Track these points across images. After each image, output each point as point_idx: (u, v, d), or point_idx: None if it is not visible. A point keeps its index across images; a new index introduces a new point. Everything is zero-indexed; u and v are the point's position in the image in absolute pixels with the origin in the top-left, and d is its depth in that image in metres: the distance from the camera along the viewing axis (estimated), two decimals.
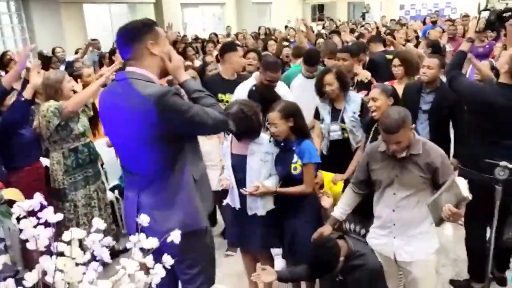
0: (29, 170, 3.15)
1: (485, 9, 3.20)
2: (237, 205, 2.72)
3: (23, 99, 2.95)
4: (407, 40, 7.25)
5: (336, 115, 3.27)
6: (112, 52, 6.11)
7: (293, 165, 2.61)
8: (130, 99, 1.73)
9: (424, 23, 11.26)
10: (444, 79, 3.29)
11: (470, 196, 1.98)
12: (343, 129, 3.25)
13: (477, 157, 2.72)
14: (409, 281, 2.40)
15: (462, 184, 2.01)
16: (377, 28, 10.58)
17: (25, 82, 3.56)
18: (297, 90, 3.89)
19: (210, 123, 1.81)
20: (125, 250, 3.33)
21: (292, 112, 2.62)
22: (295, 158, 2.61)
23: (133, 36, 1.79)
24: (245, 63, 3.67)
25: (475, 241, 2.98)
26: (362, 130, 3.23)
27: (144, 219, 1.04)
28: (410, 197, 2.25)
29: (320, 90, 3.29)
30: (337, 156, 3.23)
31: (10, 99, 3.13)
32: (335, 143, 3.27)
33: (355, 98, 3.30)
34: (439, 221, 2.11)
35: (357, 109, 3.23)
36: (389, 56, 4.63)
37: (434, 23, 9.46)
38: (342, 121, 3.24)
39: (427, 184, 2.24)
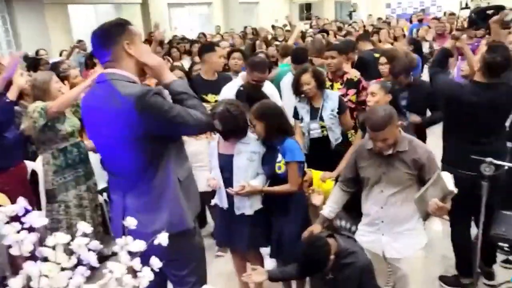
0: (12, 171, 3.12)
1: (465, 7, 3.27)
2: (224, 205, 2.71)
3: (7, 100, 2.92)
4: (395, 39, 7.32)
5: (314, 113, 3.29)
6: (93, 54, 6.06)
7: (277, 164, 2.62)
8: (111, 100, 1.72)
9: (410, 21, 11.35)
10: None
11: (455, 190, 2.00)
12: (322, 127, 3.27)
13: (456, 155, 2.77)
14: (398, 277, 2.43)
15: (448, 178, 2.03)
16: (364, 26, 10.65)
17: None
18: (287, 88, 3.89)
19: (191, 124, 1.79)
20: (114, 255, 3.29)
21: (265, 113, 2.62)
22: (279, 157, 2.62)
23: (108, 38, 1.77)
24: (223, 63, 3.68)
25: (460, 237, 3.03)
26: (340, 128, 3.30)
27: (130, 222, 1.03)
28: (398, 194, 2.27)
29: (297, 89, 3.31)
30: (318, 154, 3.26)
31: None
32: (315, 141, 3.30)
33: (332, 96, 3.33)
34: (425, 216, 2.13)
35: (335, 106, 3.26)
36: (378, 55, 4.66)
37: (420, 21, 9.55)
38: (321, 119, 3.26)
39: (413, 181, 2.26)
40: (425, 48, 6.36)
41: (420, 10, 13.43)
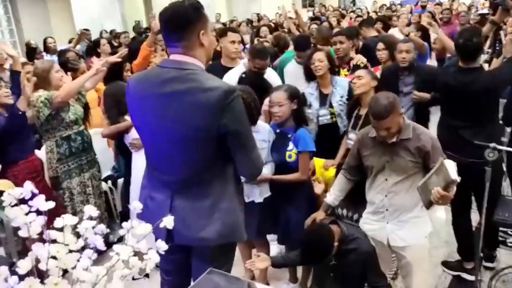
0: (25, 163, 3.13)
1: None
2: None
3: (20, 112, 2.95)
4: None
5: (323, 100, 3.28)
6: (96, 44, 6.05)
7: (287, 153, 2.62)
8: (189, 89, 1.57)
9: (415, 7, 11.23)
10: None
11: (458, 179, 1.99)
12: (332, 114, 3.26)
13: (451, 139, 2.78)
14: (403, 265, 2.43)
15: (451, 167, 2.02)
16: (368, 13, 10.56)
17: (12, 73, 3.54)
18: (290, 76, 3.88)
19: (251, 156, 1.69)
20: (120, 241, 3.33)
21: (297, 95, 2.66)
22: (291, 145, 2.62)
23: (184, 23, 1.61)
24: (235, 48, 3.61)
25: (461, 222, 3.05)
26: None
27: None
28: (402, 182, 2.26)
29: (308, 68, 3.28)
30: (326, 140, 3.25)
31: (3, 88, 3.08)
32: (323, 128, 3.29)
33: (342, 82, 3.31)
34: (428, 204, 2.13)
35: (345, 93, 3.24)
36: None
37: (423, 7, 9.45)
38: (331, 105, 3.25)
39: (418, 169, 2.24)
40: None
41: None
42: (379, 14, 10.73)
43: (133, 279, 2.89)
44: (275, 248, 3.21)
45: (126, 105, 1.82)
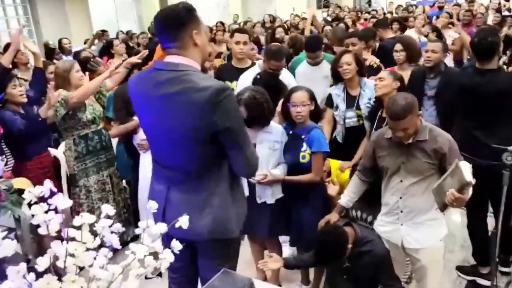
0: (38, 159, 3.20)
1: None
2: (245, 193, 2.73)
3: (40, 118, 3.04)
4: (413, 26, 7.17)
5: (351, 101, 3.24)
6: (110, 44, 6.13)
7: (301, 154, 2.61)
8: (184, 89, 1.61)
9: (432, 7, 11.10)
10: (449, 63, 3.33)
11: (473, 181, 1.96)
12: (359, 116, 3.22)
13: (468, 142, 2.74)
14: (417, 268, 2.40)
15: (466, 169, 1.99)
16: (384, 14, 10.47)
17: (35, 70, 3.61)
18: (301, 77, 3.87)
19: (247, 155, 1.71)
20: (135, 239, 3.37)
21: (314, 96, 2.68)
22: (304, 146, 2.61)
23: (176, 23, 1.66)
24: (240, 49, 3.63)
25: (477, 227, 3.00)
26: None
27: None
28: (418, 184, 2.24)
29: (335, 70, 3.25)
30: (353, 143, 3.22)
31: (17, 88, 3.13)
32: (350, 130, 3.25)
33: (370, 84, 3.26)
34: (443, 207, 2.10)
35: (373, 95, 3.18)
36: None
37: (441, 8, 9.33)
38: (358, 107, 3.21)
39: (434, 171, 2.22)
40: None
41: None
42: (395, 15, 10.64)
43: (146, 278, 2.93)
44: (287, 250, 3.21)
45: None
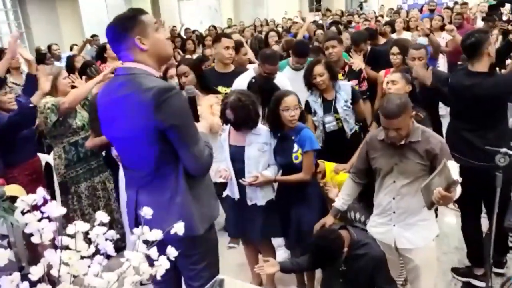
0: (25, 165, 3.17)
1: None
2: (236, 195, 2.73)
3: (31, 105, 2.95)
4: (407, 29, 7.23)
5: (328, 106, 3.27)
6: (103, 49, 6.09)
7: (294, 154, 2.63)
8: (132, 92, 1.69)
9: (421, 11, 11.19)
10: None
11: (459, 180, 1.98)
12: (338, 119, 3.25)
13: (460, 144, 2.77)
14: (410, 269, 2.42)
15: (453, 168, 2.01)
16: (376, 17, 10.52)
17: (28, 76, 3.58)
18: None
19: (196, 152, 1.75)
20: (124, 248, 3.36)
21: (299, 99, 2.72)
22: (295, 147, 2.63)
23: (120, 34, 1.73)
24: (229, 54, 3.60)
25: (471, 228, 3.02)
26: (354, 119, 3.29)
27: (146, 212, 1.04)
28: (410, 184, 2.25)
29: (309, 82, 3.29)
30: (333, 146, 3.25)
31: (8, 94, 3.10)
32: (330, 134, 3.28)
33: (345, 86, 3.31)
34: (430, 205, 2.12)
35: (349, 97, 3.24)
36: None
37: (432, 11, 9.41)
38: (335, 111, 3.24)
39: (426, 172, 2.23)
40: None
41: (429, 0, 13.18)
42: (387, 18, 10.71)
43: (141, 284, 2.90)
44: (282, 253, 3.21)
45: None
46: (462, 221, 3.08)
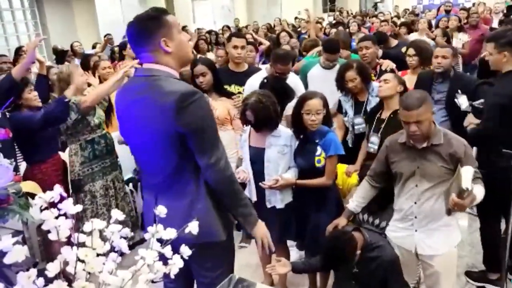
0: (51, 162, 3.20)
1: None
2: (253, 197, 2.72)
3: (66, 99, 2.98)
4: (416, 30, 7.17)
5: (359, 107, 3.24)
6: (123, 46, 6.13)
7: (316, 158, 2.59)
8: (153, 95, 1.64)
9: (438, 12, 11.07)
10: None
11: (469, 187, 1.93)
12: None
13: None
14: (429, 274, 2.35)
15: (466, 175, 1.96)
16: (392, 18, 10.43)
17: (39, 77, 3.63)
18: (315, 81, 3.85)
19: (215, 160, 1.68)
20: (141, 242, 3.39)
21: (327, 101, 2.65)
22: (319, 150, 2.59)
23: (144, 35, 1.67)
24: (238, 54, 3.62)
25: (490, 232, 2.96)
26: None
27: (161, 210, 1.05)
28: (433, 188, 2.20)
29: (341, 85, 3.26)
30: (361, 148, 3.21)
31: (32, 93, 3.14)
32: (359, 136, 3.24)
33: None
34: (447, 210, 2.09)
35: None
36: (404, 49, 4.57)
37: (448, 12, 9.30)
38: (366, 113, 3.20)
39: (450, 175, 2.16)
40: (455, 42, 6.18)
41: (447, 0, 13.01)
42: (402, 18, 10.62)
43: (153, 282, 2.92)
44: (295, 254, 3.20)
45: None
46: (481, 225, 3.01)
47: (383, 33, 5.69)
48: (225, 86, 3.58)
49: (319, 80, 3.79)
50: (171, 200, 1.73)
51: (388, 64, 3.85)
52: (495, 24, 7.73)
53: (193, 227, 1.03)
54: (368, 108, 3.19)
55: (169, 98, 1.60)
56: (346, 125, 3.33)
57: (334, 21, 10.08)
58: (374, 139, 2.93)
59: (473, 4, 9.56)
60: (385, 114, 2.92)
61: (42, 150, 3.13)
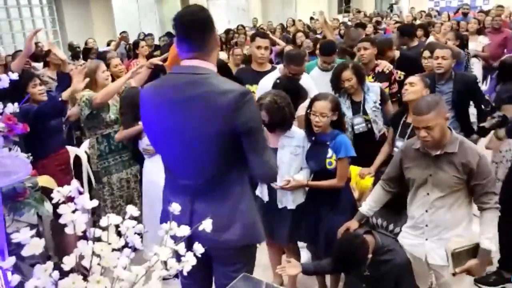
0: (55, 156, 3.26)
1: None
2: (265, 197, 2.72)
3: (60, 99, 3.04)
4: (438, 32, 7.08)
5: (356, 108, 3.25)
6: (135, 45, 6.19)
7: (327, 160, 2.58)
8: (206, 94, 1.60)
9: (455, 14, 10.93)
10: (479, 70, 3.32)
11: (457, 271, 2.09)
12: (367, 121, 3.23)
13: None
14: (440, 283, 2.32)
15: (451, 257, 2.07)
16: (403, 20, 10.34)
17: (61, 75, 3.71)
18: (314, 83, 3.85)
19: (263, 160, 1.67)
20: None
21: (338, 106, 2.64)
22: (330, 153, 2.58)
23: (205, 29, 1.64)
24: (261, 54, 3.63)
25: (507, 229, 2.88)
26: (383, 120, 3.28)
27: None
28: (444, 198, 2.15)
29: (337, 85, 3.27)
30: (362, 147, 3.18)
31: (37, 87, 3.18)
32: (359, 136, 3.25)
33: (374, 88, 3.30)
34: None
35: (377, 98, 3.23)
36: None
37: (465, 14, 9.19)
38: (364, 112, 3.21)
39: (462, 186, 2.12)
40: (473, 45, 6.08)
41: (464, 3, 12.81)
42: (418, 21, 10.51)
43: (164, 279, 2.94)
44: (305, 254, 3.19)
45: None
46: (501, 226, 2.95)
47: (409, 25, 5.64)
48: (248, 86, 3.59)
49: (317, 82, 3.78)
50: (212, 203, 1.72)
51: (385, 65, 3.83)
52: None
53: (206, 225, 1.03)
54: (366, 107, 3.20)
55: (226, 96, 1.58)
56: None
57: (351, 22, 10.04)
58: (400, 144, 2.91)
59: (498, 6, 9.34)
60: (411, 118, 2.89)
61: (44, 145, 3.18)
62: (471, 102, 3.53)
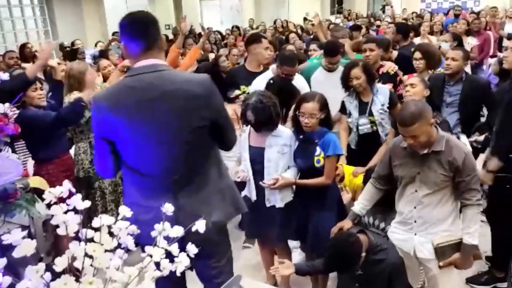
0: (60, 161, 3.21)
1: None
2: (253, 197, 2.72)
3: (83, 103, 3.00)
4: (431, 33, 7.14)
5: (363, 108, 3.22)
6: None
7: (316, 158, 2.59)
8: (179, 84, 1.67)
9: (446, 16, 11.02)
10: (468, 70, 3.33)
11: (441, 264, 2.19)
12: (372, 122, 3.19)
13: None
14: (429, 277, 2.37)
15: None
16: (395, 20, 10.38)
17: (52, 82, 3.66)
18: (317, 84, 3.85)
19: (232, 134, 1.91)
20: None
21: (326, 104, 2.64)
22: (318, 150, 2.60)
23: (158, 27, 1.75)
24: (269, 55, 3.66)
25: (500, 229, 2.91)
26: (390, 122, 3.21)
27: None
28: (432, 195, 2.20)
29: (346, 84, 3.25)
30: (366, 149, 3.20)
31: (37, 91, 3.14)
32: (363, 137, 3.23)
33: (383, 90, 3.24)
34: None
35: (386, 101, 3.17)
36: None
37: (456, 16, 9.26)
38: (371, 114, 3.19)
39: (449, 183, 2.17)
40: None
41: (456, 4, 12.90)
42: (410, 21, 10.57)
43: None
44: (297, 255, 3.19)
45: None
46: (494, 226, 2.97)
47: (406, 25, 5.73)
48: (242, 86, 3.61)
49: (323, 83, 3.79)
50: (195, 192, 1.77)
51: (390, 66, 3.84)
52: (507, 29, 7.70)
53: (199, 226, 1.03)
54: (373, 109, 3.18)
55: (200, 86, 1.70)
56: (350, 127, 3.32)
57: (343, 24, 10.07)
58: None
59: (492, 7, 9.39)
60: None
61: (50, 149, 3.14)
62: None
